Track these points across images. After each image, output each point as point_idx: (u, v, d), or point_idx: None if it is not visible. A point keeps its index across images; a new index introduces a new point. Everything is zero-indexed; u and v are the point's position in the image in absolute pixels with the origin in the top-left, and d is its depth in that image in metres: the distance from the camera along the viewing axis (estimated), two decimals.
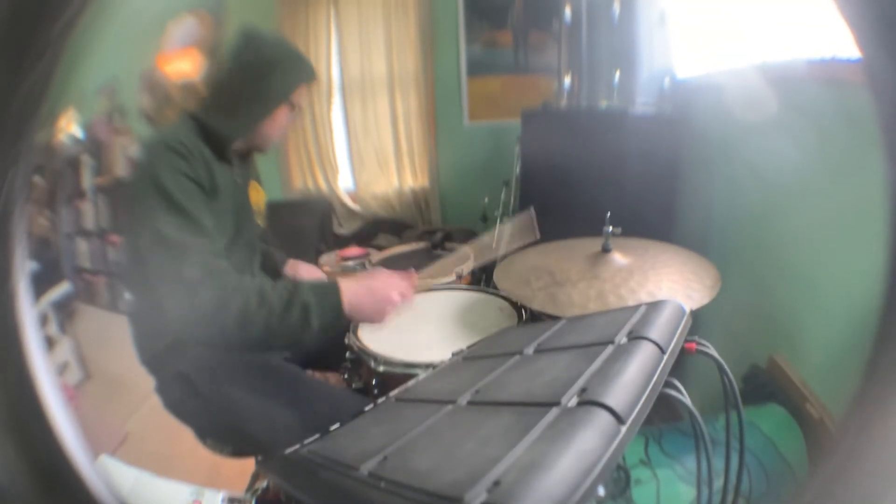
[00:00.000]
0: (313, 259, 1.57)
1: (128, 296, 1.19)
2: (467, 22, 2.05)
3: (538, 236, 1.29)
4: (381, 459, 0.51)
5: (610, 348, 0.58)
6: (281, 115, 1.17)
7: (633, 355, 0.53)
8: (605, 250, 1.15)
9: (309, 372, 1.28)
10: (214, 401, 1.07)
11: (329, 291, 0.99)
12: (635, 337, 0.58)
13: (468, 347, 0.98)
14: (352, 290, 1.00)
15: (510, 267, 1.25)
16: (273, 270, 1.36)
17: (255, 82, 1.13)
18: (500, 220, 1.96)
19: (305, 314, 0.95)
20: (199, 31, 1.61)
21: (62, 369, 1.10)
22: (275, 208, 1.38)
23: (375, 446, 0.54)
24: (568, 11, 1.83)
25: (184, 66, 1.59)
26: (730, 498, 0.67)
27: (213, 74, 1.18)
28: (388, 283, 1.05)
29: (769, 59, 1.26)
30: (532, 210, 1.27)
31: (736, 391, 0.64)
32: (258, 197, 1.27)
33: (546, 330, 0.82)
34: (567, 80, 1.89)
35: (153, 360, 1.09)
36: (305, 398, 1.10)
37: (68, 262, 1.34)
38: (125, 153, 1.48)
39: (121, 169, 1.47)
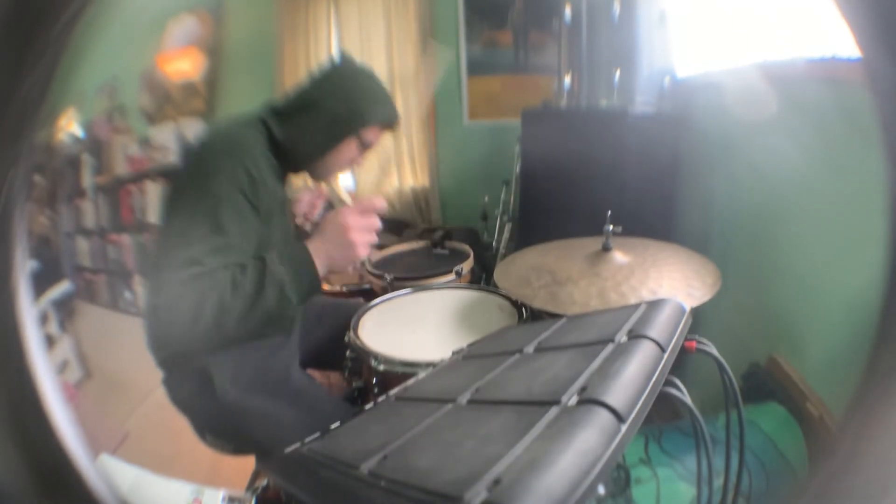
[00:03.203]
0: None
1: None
2: (467, 21, 2.04)
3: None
4: (381, 458, 0.51)
5: (610, 347, 0.58)
6: (348, 149, 1.15)
7: (633, 354, 0.53)
8: (606, 249, 1.15)
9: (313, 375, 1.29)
10: (230, 404, 1.06)
11: (301, 260, 0.97)
12: (635, 336, 0.58)
13: (468, 346, 0.98)
14: (315, 248, 0.98)
15: (510, 266, 1.25)
16: None
17: (333, 106, 1.12)
18: (501, 220, 1.97)
19: (281, 291, 0.94)
20: (199, 31, 1.61)
21: (62, 368, 1.09)
22: None
23: (375, 445, 0.54)
24: (568, 11, 1.83)
25: (184, 65, 1.60)
26: (730, 497, 0.67)
27: (298, 90, 1.17)
28: (341, 218, 1.00)
29: (769, 59, 1.26)
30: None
31: (736, 390, 0.64)
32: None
33: (546, 329, 0.81)
34: (567, 80, 1.89)
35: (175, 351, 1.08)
36: (319, 412, 1.10)
37: (68, 261, 1.34)
38: (125, 152, 1.48)
39: (121, 168, 1.48)
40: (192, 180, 1.02)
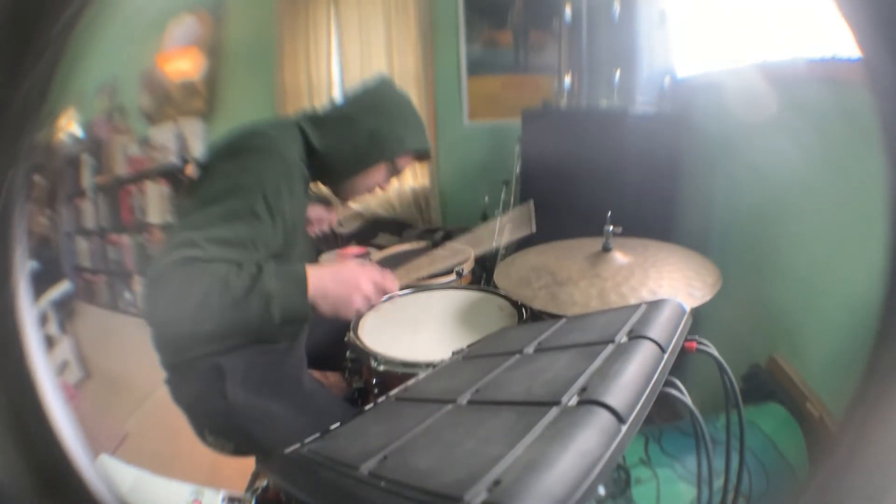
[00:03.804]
0: (313, 259, 1.58)
1: None
2: (467, 21, 2.05)
3: (534, 230, 1.28)
4: (381, 459, 0.51)
5: (610, 347, 0.58)
6: (379, 172, 1.16)
7: (633, 354, 0.53)
8: (606, 249, 1.15)
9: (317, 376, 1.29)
10: (240, 406, 1.05)
11: (294, 279, 0.93)
12: (636, 336, 0.58)
13: (468, 346, 0.98)
14: (317, 277, 0.94)
15: (510, 267, 1.25)
16: None
17: (374, 126, 1.12)
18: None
19: (266, 306, 0.90)
20: (199, 31, 1.61)
21: (62, 368, 1.10)
22: None
23: (375, 445, 0.54)
24: (568, 11, 1.83)
25: (184, 65, 1.60)
26: (730, 497, 0.67)
27: (338, 103, 1.18)
28: (359, 273, 0.99)
29: (769, 59, 1.26)
30: (531, 203, 1.26)
31: (736, 390, 0.64)
32: None
33: (546, 329, 0.81)
34: (567, 80, 1.89)
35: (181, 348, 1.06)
36: (329, 419, 1.10)
37: (68, 261, 1.34)
38: (125, 152, 1.48)
39: (121, 168, 1.48)
40: (220, 169, 1.01)
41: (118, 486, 0.64)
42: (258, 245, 0.98)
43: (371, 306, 1.01)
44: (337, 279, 0.97)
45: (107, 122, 1.45)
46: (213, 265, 0.90)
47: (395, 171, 1.20)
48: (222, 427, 1.09)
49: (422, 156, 1.24)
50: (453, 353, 0.95)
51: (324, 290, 0.95)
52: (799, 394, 1.10)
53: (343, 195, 1.22)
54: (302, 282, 0.93)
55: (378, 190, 1.22)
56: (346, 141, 1.12)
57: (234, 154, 1.03)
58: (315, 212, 1.43)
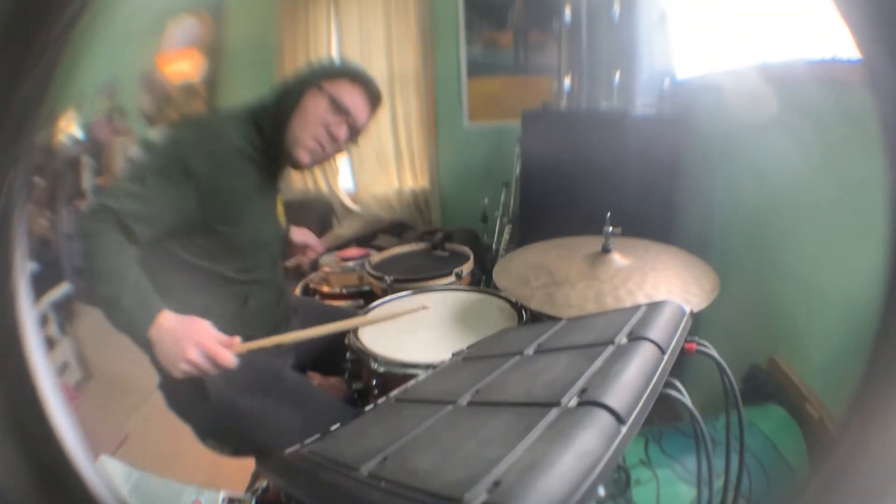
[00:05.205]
0: (313, 260, 1.58)
1: None
2: (467, 22, 2.05)
3: None
4: (381, 460, 0.51)
5: (610, 349, 0.58)
6: (314, 105, 1.11)
7: (633, 356, 0.53)
8: (605, 250, 1.15)
9: (314, 379, 1.29)
10: (225, 407, 1.06)
11: (146, 307, 0.94)
12: (635, 337, 0.58)
13: (468, 348, 0.98)
14: (163, 325, 0.92)
15: (510, 264, 1.24)
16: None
17: (298, 71, 1.17)
18: (500, 222, 1.97)
19: (113, 308, 0.93)
20: (199, 32, 1.61)
21: (62, 369, 1.10)
22: None
23: (375, 447, 0.54)
24: (568, 12, 1.83)
25: (184, 66, 1.60)
26: (730, 498, 0.67)
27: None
28: (193, 337, 0.92)
29: (769, 59, 1.26)
30: None
31: (736, 391, 0.64)
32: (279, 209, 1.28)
33: (546, 330, 0.81)
34: (567, 81, 1.89)
35: None
36: (315, 411, 1.10)
37: (68, 263, 1.34)
38: (125, 153, 1.48)
39: (121, 169, 1.48)
40: (160, 143, 1.09)
41: (118, 487, 0.64)
42: (170, 209, 1.02)
43: (199, 371, 0.94)
44: (173, 341, 0.93)
45: (107, 123, 1.45)
46: (101, 218, 0.96)
47: (338, 106, 1.12)
48: (216, 429, 1.09)
49: (357, 79, 1.15)
50: (453, 355, 0.95)
51: (159, 342, 0.93)
52: (799, 395, 1.10)
53: (294, 152, 1.13)
54: (150, 313, 0.93)
55: (335, 136, 1.14)
56: (275, 94, 1.16)
57: (175, 131, 1.16)
58: (301, 235, 1.46)
